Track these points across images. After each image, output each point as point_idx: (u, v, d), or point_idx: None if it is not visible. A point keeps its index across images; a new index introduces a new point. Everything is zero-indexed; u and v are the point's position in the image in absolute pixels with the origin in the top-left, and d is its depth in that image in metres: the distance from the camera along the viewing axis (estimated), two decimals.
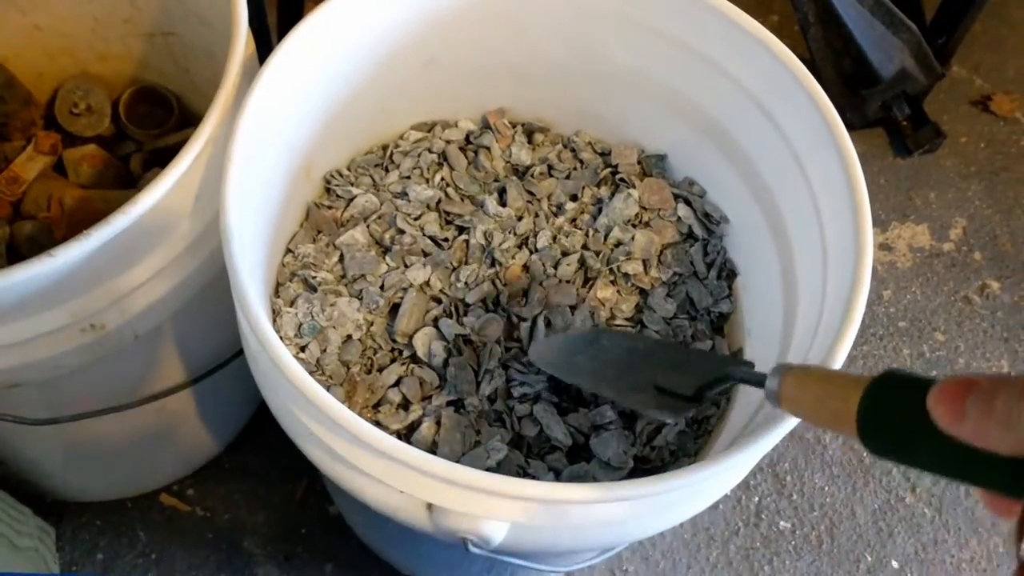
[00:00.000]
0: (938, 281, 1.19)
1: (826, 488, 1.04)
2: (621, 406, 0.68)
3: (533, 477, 0.66)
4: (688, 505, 0.61)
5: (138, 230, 0.55)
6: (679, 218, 0.76)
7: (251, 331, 0.52)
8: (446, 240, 0.74)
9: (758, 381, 0.49)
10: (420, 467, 0.49)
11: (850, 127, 1.22)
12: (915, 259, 1.20)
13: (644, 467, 0.69)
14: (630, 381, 0.60)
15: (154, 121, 0.88)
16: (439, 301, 0.72)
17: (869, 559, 1.00)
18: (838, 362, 0.55)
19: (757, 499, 1.02)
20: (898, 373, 0.37)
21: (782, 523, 1.02)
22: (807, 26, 1.03)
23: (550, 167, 0.79)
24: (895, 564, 1.00)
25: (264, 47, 1.00)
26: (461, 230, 0.75)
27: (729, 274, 0.77)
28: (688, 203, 0.78)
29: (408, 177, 0.77)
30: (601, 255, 0.75)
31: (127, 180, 0.86)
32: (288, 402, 0.57)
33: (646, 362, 0.62)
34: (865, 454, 1.06)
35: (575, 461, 0.68)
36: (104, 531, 0.94)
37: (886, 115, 1.20)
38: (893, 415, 0.36)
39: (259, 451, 0.99)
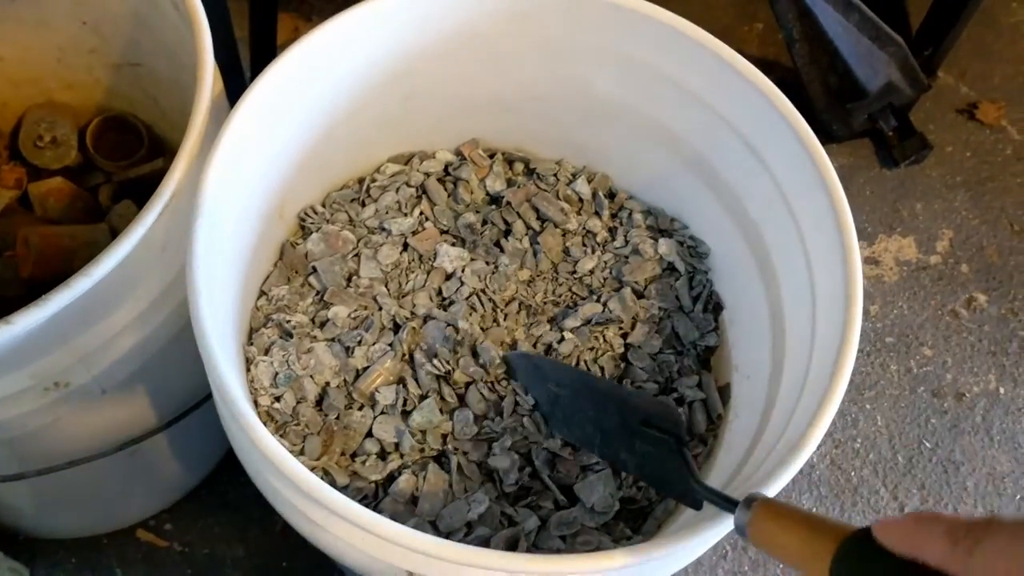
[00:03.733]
0: (925, 295, 1.18)
1: (814, 509, 1.03)
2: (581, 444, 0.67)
3: (517, 524, 0.64)
4: (678, 562, 0.59)
5: (102, 288, 0.53)
6: (660, 256, 0.75)
7: (221, 400, 0.50)
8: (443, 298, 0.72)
9: (725, 504, 0.47)
10: (398, 541, 0.48)
11: (836, 139, 1.22)
12: (902, 273, 1.19)
13: (630, 507, 0.68)
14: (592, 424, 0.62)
15: (123, 151, 0.85)
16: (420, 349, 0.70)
17: None
18: (828, 415, 0.54)
19: None
20: (868, 539, 0.35)
21: None
22: (792, 42, 1.01)
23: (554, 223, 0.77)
24: None
25: (236, 75, 0.98)
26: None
27: (715, 307, 0.76)
28: (670, 236, 0.76)
29: (386, 212, 0.74)
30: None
31: (96, 213, 0.83)
32: (263, 471, 0.55)
33: (618, 427, 0.62)
34: (853, 474, 1.06)
35: (561, 506, 0.66)
36: (80, 569, 0.92)
37: (872, 127, 1.19)
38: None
39: (237, 483, 0.97)
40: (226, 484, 0.97)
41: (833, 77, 1.07)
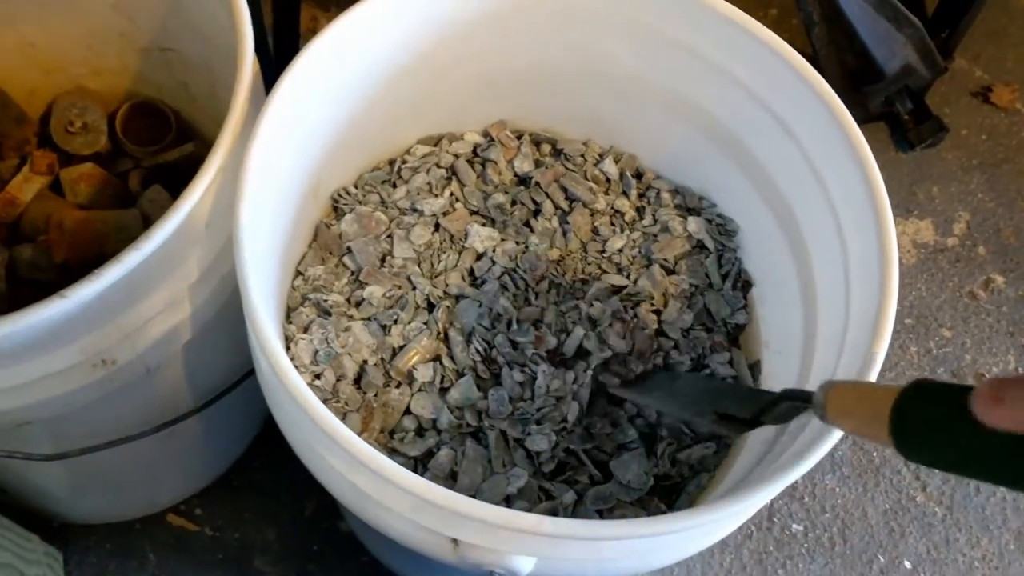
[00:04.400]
0: (943, 277, 1.18)
1: (837, 489, 1.03)
2: (682, 420, 0.68)
3: (555, 499, 0.65)
4: (715, 534, 0.60)
5: (149, 264, 0.54)
6: (689, 234, 0.75)
7: (272, 373, 0.51)
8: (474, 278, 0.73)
9: (806, 397, 0.50)
10: (447, 506, 0.48)
11: None
12: (920, 255, 1.19)
13: (664, 483, 0.68)
14: (693, 410, 0.62)
15: (152, 136, 0.86)
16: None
17: (882, 560, 1.00)
18: (870, 379, 0.54)
19: (769, 502, 1.02)
20: (927, 380, 0.39)
21: (794, 526, 1.01)
22: (811, 24, 1.02)
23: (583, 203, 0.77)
24: (908, 564, 1.00)
25: (263, 57, 0.98)
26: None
27: (744, 284, 0.76)
28: (698, 214, 0.77)
29: (417, 193, 0.75)
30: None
31: (126, 198, 0.84)
32: (308, 438, 0.56)
33: (706, 394, 0.63)
34: (875, 454, 1.06)
35: (596, 482, 0.67)
36: (113, 554, 0.93)
37: (888, 110, 1.19)
38: (923, 416, 0.38)
39: (267, 468, 0.98)
40: (255, 470, 0.98)
41: (851, 59, 1.08)
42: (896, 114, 1.19)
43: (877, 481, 1.05)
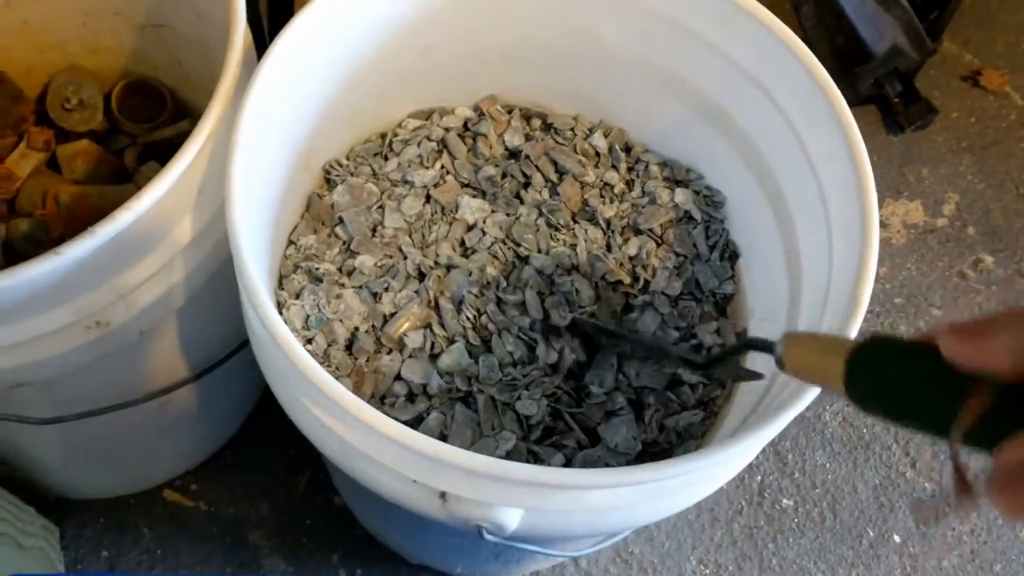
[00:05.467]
0: (933, 257, 1.19)
1: (827, 465, 1.05)
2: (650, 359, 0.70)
3: (543, 462, 0.66)
4: (697, 489, 0.61)
5: (142, 226, 0.55)
6: (676, 204, 0.76)
7: (260, 325, 0.52)
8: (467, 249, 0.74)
9: (767, 346, 0.50)
10: (435, 456, 0.49)
11: None
12: (910, 236, 1.21)
13: (652, 450, 0.69)
14: (660, 351, 0.66)
15: (147, 114, 0.87)
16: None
17: (871, 534, 1.01)
18: (851, 335, 0.55)
19: (760, 478, 1.03)
20: (882, 334, 0.41)
21: (785, 501, 1.02)
22: (800, 4, 1.03)
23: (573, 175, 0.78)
24: (897, 538, 1.01)
25: (256, 32, 1.00)
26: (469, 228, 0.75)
27: (732, 255, 0.78)
28: (686, 186, 0.78)
29: (408, 165, 0.76)
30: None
31: (122, 175, 0.85)
32: (299, 394, 0.57)
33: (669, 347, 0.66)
34: (865, 430, 1.07)
35: (584, 446, 0.68)
36: (108, 528, 0.94)
37: (878, 92, 1.20)
38: (877, 363, 0.39)
39: (261, 444, 0.99)
40: (249, 446, 0.99)
41: (840, 40, 1.09)
42: (886, 96, 1.20)
43: (867, 457, 1.06)
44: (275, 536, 0.95)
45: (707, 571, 0.97)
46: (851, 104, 1.22)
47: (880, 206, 1.22)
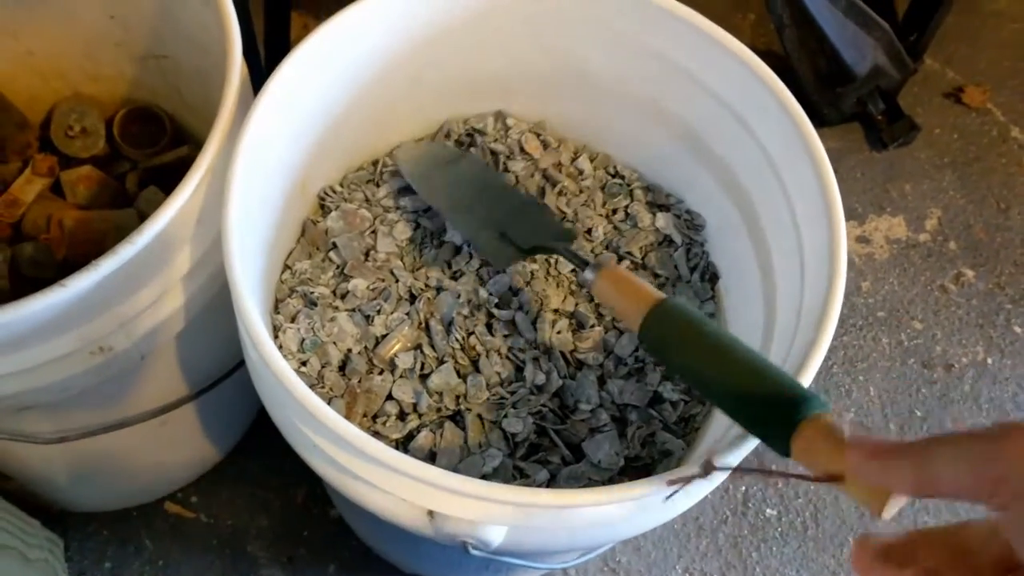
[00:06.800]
0: (915, 271, 1.22)
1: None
2: (467, 239, 0.75)
3: (528, 477, 0.69)
4: (678, 503, 0.63)
5: (143, 257, 0.58)
6: (657, 228, 0.79)
7: (256, 353, 0.55)
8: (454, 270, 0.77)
9: (580, 264, 0.63)
10: (422, 477, 0.52)
11: (827, 123, 1.27)
12: (892, 250, 1.23)
13: (635, 465, 0.72)
14: (478, 216, 0.73)
15: (147, 140, 0.90)
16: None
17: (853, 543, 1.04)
18: (817, 360, 0.58)
19: (744, 488, 1.06)
20: (676, 302, 0.56)
21: (768, 511, 1.05)
22: (782, 27, 1.06)
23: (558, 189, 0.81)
24: None
25: (253, 60, 1.03)
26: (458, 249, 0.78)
27: (712, 277, 0.80)
28: (667, 210, 0.81)
29: (399, 193, 0.79)
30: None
31: (123, 199, 0.88)
32: (292, 416, 0.59)
33: (498, 201, 0.74)
34: None
35: (568, 462, 0.71)
36: (111, 540, 0.96)
37: (862, 110, 1.23)
38: (664, 326, 0.55)
39: (260, 457, 1.02)
40: (249, 459, 1.02)
41: (822, 61, 1.12)
42: (869, 114, 1.23)
43: None
44: (273, 547, 0.98)
45: None
46: (835, 122, 1.26)
47: (864, 221, 1.26)
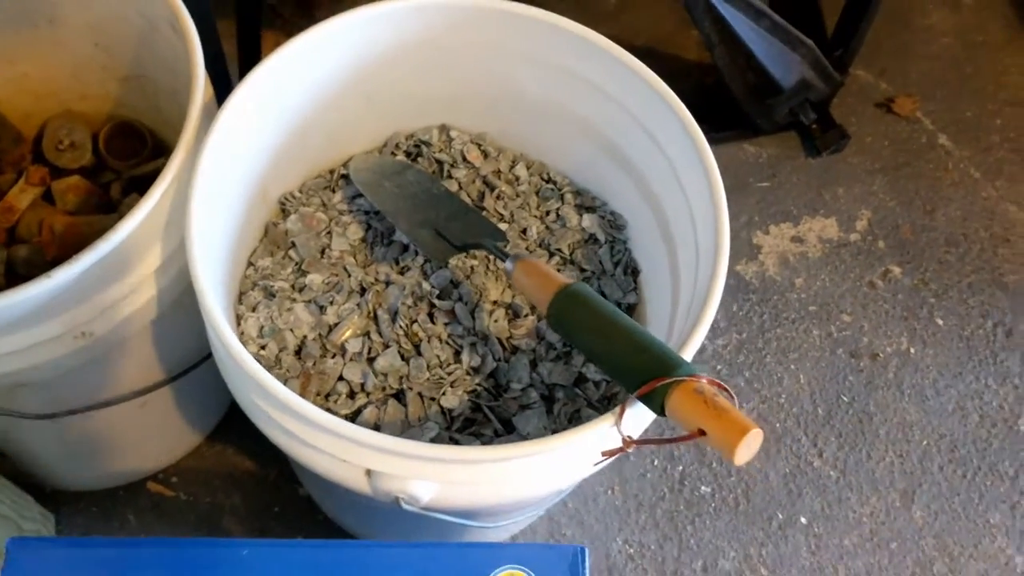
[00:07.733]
0: (845, 268, 1.32)
1: None
2: (409, 238, 0.84)
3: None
4: (579, 462, 0.72)
5: (119, 253, 0.67)
6: (583, 228, 0.89)
7: (216, 337, 0.64)
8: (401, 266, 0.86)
9: (502, 257, 0.75)
10: (358, 439, 0.61)
11: (763, 132, 1.36)
12: (824, 249, 1.33)
13: None
14: (420, 218, 0.83)
15: (130, 152, 0.99)
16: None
17: (780, 517, 1.13)
18: (701, 333, 0.67)
19: (681, 468, 1.15)
20: (579, 287, 0.66)
21: (703, 488, 1.14)
22: (712, 45, 1.16)
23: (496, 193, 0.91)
24: (803, 520, 1.13)
25: (224, 85, 1.12)
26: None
27: (633, 271, 0.90)
28: (593, 212, 0.90)
29: (352, 199, 0.89)
30: None
31: (108, 206, 0.97)
32: (250, 393, 0.69)
33: (437, 206, 0.85)
34: (778, 424, 1.20)
35: (500, 435, 0.80)
36: (98, 516, 1.06)
37: (795, 120, 1.33)
38: (566, 308, 0.66)
39: (235, 441, 1.11)
40: (224, 442, 1.11)
41: (751, 76, 1.22)
42: (802, 123, 1.33)
43: (779, 449, 1.18)
44: (247, 522, 1.07)
45: (631, 551, 1.10)
46: (770, 131, 1.36)
47: (798, 223, 1.35)
